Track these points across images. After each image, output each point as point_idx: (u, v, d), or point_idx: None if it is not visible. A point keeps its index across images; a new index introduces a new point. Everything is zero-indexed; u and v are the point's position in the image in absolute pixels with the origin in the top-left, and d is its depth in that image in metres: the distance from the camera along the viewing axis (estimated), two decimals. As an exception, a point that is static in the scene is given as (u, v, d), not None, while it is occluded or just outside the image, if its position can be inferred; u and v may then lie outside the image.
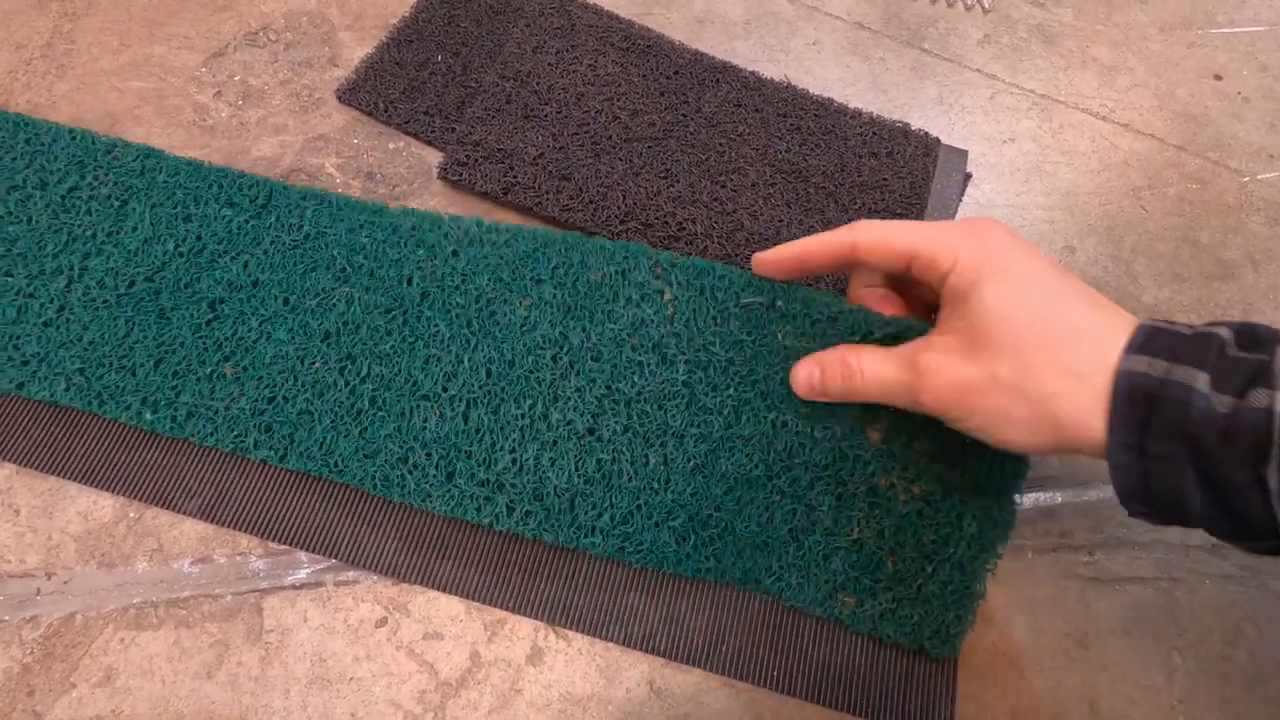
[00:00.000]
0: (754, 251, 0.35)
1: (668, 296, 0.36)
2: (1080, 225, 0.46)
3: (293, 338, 0.37)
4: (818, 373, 0.33)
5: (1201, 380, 0.25)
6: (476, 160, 0.42)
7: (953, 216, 0.45)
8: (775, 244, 0.35)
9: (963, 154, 0.46)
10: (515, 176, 0.42)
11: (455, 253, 0.38)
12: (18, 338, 0.37)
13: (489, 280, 0.37)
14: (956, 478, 0.34)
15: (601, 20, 0.47)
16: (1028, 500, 0.38)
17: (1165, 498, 0.26)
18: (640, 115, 0.44)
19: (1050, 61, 0.52)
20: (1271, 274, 0.45)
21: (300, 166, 0.43)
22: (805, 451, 0.34)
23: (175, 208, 0.40)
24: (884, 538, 0.34)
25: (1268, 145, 0.50)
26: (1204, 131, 0.50)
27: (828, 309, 0.34)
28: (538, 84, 0.44)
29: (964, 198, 0.46)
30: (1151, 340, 0.26)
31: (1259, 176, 0.49)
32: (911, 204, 0.44)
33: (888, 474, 0.34)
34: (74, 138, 0.41)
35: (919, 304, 0.35)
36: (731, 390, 0.35)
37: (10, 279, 0.38)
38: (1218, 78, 0.52)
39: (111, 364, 0.37)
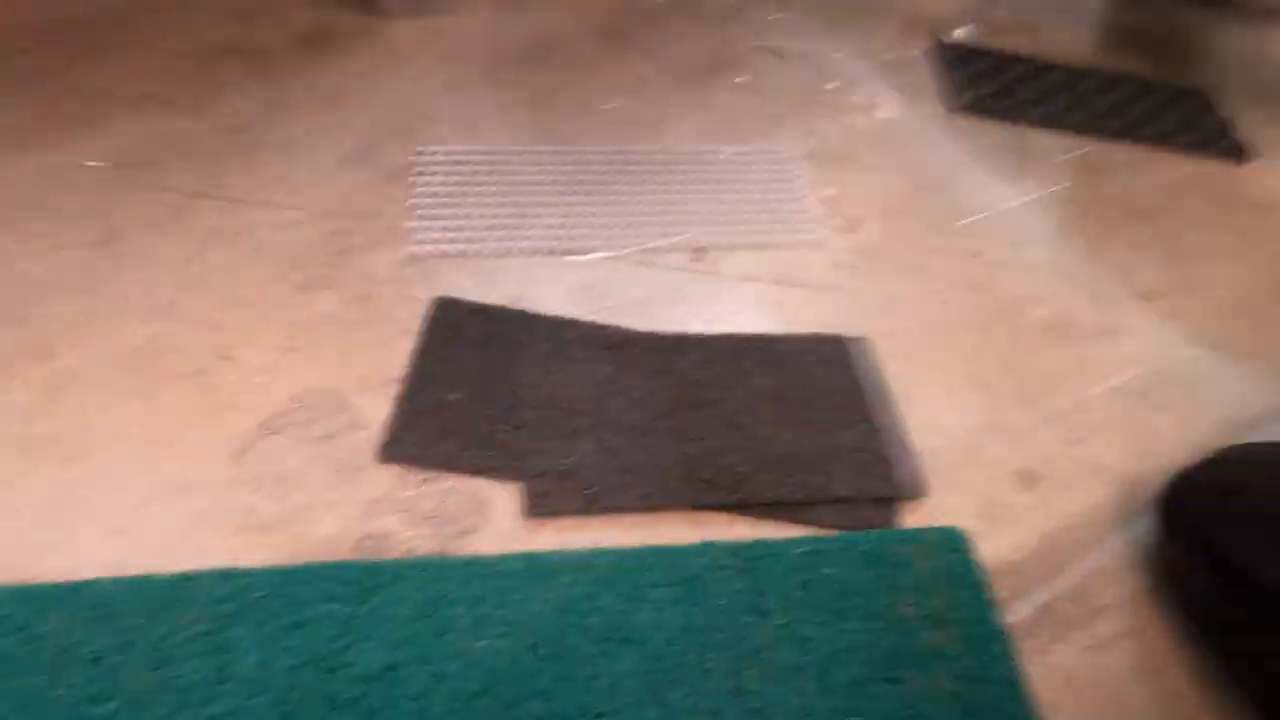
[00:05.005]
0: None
1: None
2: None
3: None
4: None
5: None
6: (553, 489, 0.47)
7: (883, 392, 0.56)
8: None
9: (859, 340, 0.59)
10: (591, 487, 0.48)
11: None
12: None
13: None
14: None
15: (579, 332, 0.56)
16: None
17: None
18: (648, 397, 0.53)
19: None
20: None
21: (366, 533, 0.45)
22: None
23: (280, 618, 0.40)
24: None
25: None
26: None
27: None
28: (562, 404, 0.52)
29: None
30: None
31: None
32: (858, 392, 0.55)
33: None
34: (130, 587, 0.40)
35: None
36: None
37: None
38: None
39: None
